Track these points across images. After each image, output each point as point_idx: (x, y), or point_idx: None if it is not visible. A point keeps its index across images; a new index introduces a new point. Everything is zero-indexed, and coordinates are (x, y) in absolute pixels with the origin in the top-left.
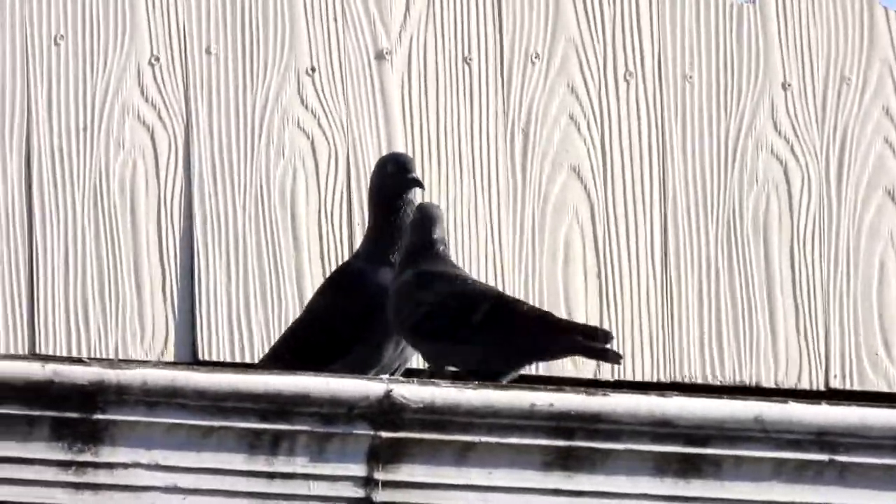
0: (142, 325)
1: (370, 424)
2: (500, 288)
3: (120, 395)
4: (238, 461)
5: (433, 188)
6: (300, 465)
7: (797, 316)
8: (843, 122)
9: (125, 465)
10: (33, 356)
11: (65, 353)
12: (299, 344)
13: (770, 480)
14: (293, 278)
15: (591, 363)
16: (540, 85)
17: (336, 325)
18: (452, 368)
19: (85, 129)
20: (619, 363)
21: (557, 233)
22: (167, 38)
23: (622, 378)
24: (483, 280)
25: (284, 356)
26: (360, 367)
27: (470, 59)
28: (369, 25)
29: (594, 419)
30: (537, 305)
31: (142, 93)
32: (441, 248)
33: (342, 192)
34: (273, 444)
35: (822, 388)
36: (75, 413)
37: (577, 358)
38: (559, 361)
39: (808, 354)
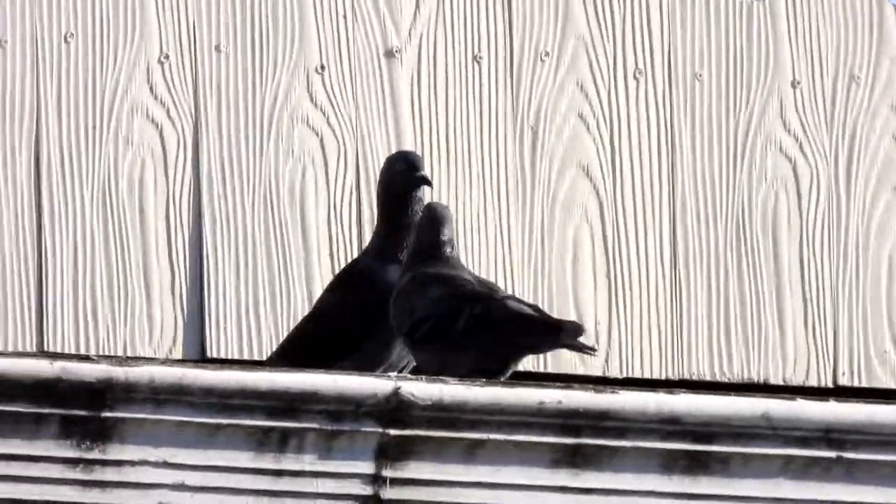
0: (150, 322)
1: (378, 422)
2: (508, 286)
3: (128, 393)
4: (246, 459)
5: (442, 186)
6: (308, 462)
7: (805, 313)
8: (851, 120)
9: (133, 463)
10: (42, 354)
11: (73, 351)
12: (307, 341)
13: (778, 477)
14: (302, 275)
15: (600, 361)
16: (549, 83)
17: (344, 323)
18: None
19: (94, 127)
20: (593, 355)
21: (566, 231)
22: (176, 35)
23: (630, 375)
24: (492, 278)
25: (293, 354)
26: (369, 365)
27: (480, 58)
28: (379, 23)
29: (602, 416)
30: (533, 301)
31: (151, 91)
32: (447, 249)
33: (351, 190)
34: (281, 441)
35: (830, 385)
36: (83, 410)
37: (585, 356)
38: (568, 358)
39: (817, 352)
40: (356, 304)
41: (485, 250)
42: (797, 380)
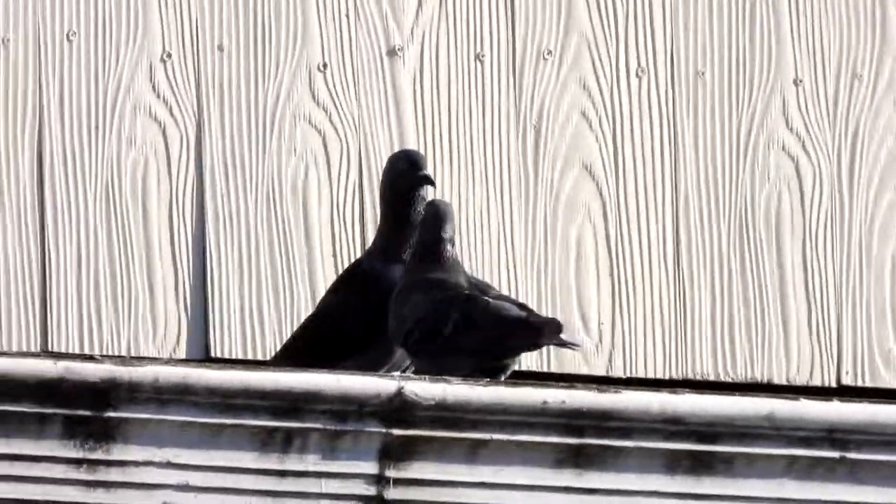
0: (154, 322)
1: (381, 422)
2: (511, 285)
3: (132, 393)
4: (249, 459)
5: (445, 185)
6: (312, 462)
7: (809, 313)
8: (854, 119)
9: (137, 463)
10: (45, 354)
11: (77, 351)
12: (311, 342)
13: (781, 477)
14: (305, 275)
15: (604, 360)
16: (552, 81)
17: (347, 323)
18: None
19: (97, 126)
20: (577, 349)
21: (569, 230)
22: (179, 34)
23: (634, 375)
24: (495, 277)
25: (296, 354)
26: (372, 365)
27: (482, 56)
28: (381, 22)
29: (605, 416)
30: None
31: (153, 89)
32: (447, 248)
33: (354, 189)
34: (285, 441)
35: (833, 385)
36: (87, 411)
37: (588, 355)
38: (571, 358)
39: (820, 352)
40: (359, 304)
41: (488, 249)
42: (801, 380)
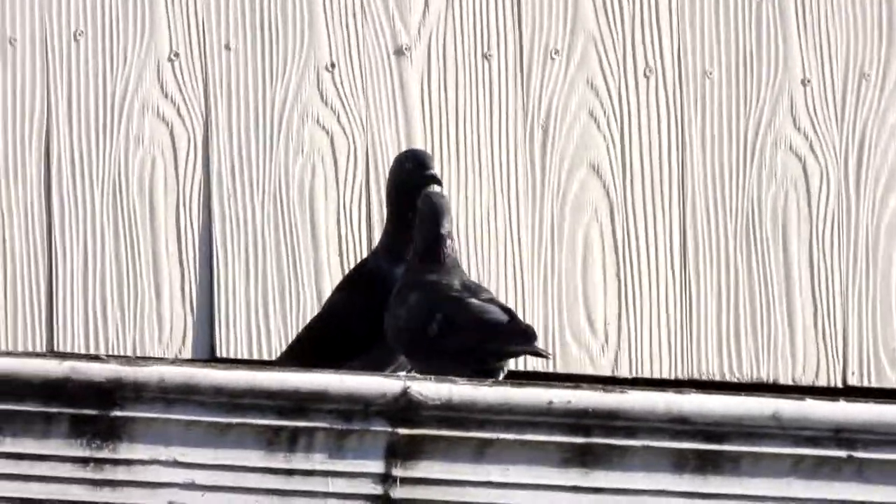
0: (160, 322)
1: (388, 421)
2: (517, 285)
3: (137, 393)
4: (256, 458)
5: (452, 185)
6: (318, 461)
7: (815, 313)
8: (862, 119)
9: (143, 462)
10: (51, 353)
11: (83, 351)
12: (317, 341)
13: (788, 477)
14: (311, 275)
15: (609, 360)
16: (559, 81)
17: (353, 323)
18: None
19: (104, 125)
20: (546, 357)
21: (576, 230)
22: (186, 34)
23: (640, 375)
24: (501, 277)
25: (302, 353)
26: (378, 364)
27: (489, 56)
28: (388, 21)
29: (612, 416)
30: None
31: (161, 89)
32: (447, 244)
33: (361, 189)
34: (291, 440)
35: (839, 385)
36: (93, 410)
37: (594, 355)
38: (576, 359)
39: (826, 351)
40: (365, 304)
41: (494, 249)
42: (807, 380)
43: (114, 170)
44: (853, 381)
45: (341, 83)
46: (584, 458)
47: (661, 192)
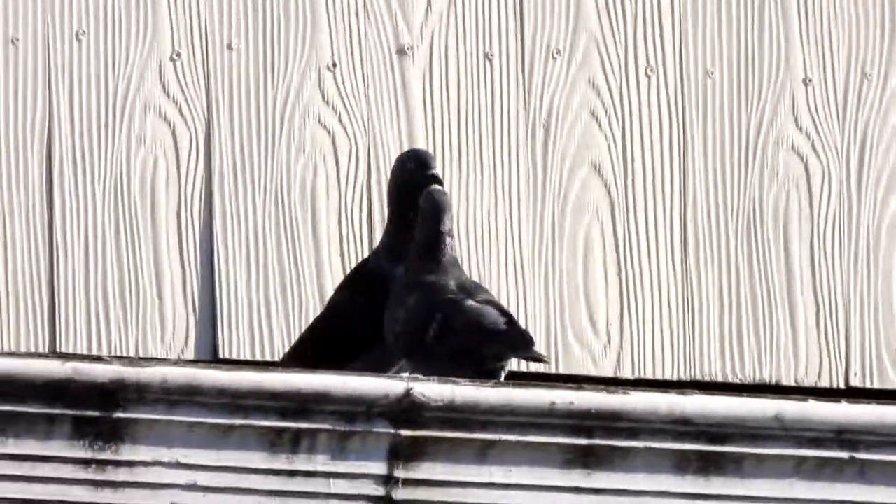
0: (162, 323)
1: (390, 423)
2: (518, 285)
3: (140, 394)
4: (258, 459)
5: (453, 184)
6: (320, 462)
7: (817, 314)
8: (863, 118)
9: (145, 463)
10: (53, 354)
11: (85, 352)
12: (319, 342)
13: (790, 478)
14: (313, 275)
15: (611, 361)
16: (561, 81)
17: (354, 322)
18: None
19: (106, 125)
20: (545, 362)
21: (577, 230)
22: (188, 33)
23: (642, 376)
24: (502, 277)
25: (304, 354)
26: (380, 365)
27: (491, 55)
28: (391, 21)
29: (614, 417)
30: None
31: (163, 89)
32: (446, 243)
33: (362, 188)
34: (293, 442)
35: (842, 386)
36: (95, 411)
37: (596, 356)
38: (579, 360)
39: (828, 352)
40: (366, 303)
41: (495, 249)
42: (809, 381)
43: (115, 169)
44: (856, 382)
45: (343, 83)
46: (587, 459)
47: (663, 191)
